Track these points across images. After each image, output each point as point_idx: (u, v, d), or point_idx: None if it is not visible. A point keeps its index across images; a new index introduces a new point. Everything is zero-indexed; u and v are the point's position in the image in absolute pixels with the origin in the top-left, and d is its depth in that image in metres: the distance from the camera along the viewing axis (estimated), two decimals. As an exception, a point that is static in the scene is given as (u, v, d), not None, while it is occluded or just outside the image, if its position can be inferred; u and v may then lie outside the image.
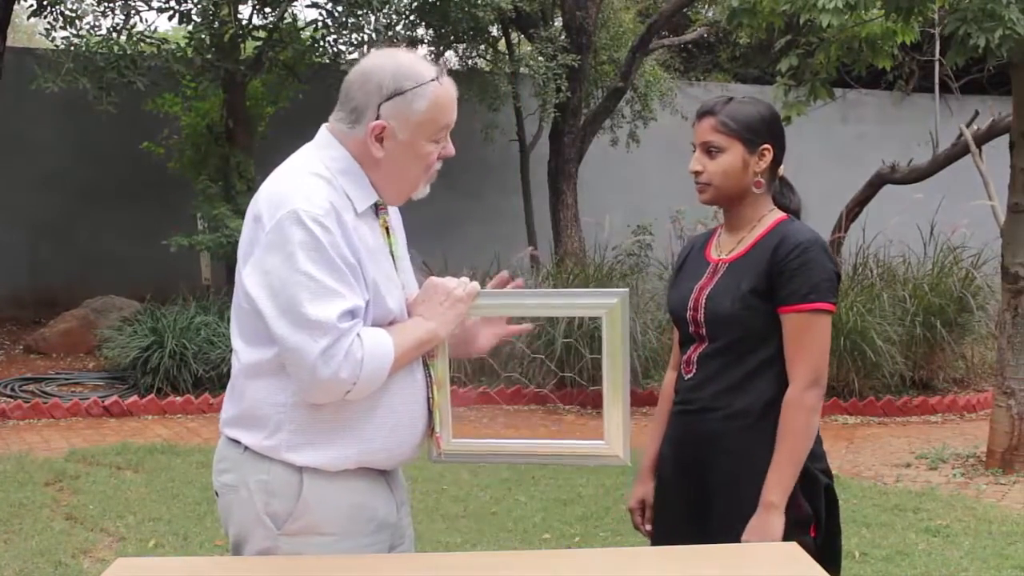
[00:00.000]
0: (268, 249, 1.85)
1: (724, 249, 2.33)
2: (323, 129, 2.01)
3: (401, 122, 1.93)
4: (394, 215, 2.10)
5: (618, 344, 2.05)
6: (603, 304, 2.07)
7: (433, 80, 1.93)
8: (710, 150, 2.26)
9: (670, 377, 2.47)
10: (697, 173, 2.29)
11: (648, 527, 2.45)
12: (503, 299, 2.17)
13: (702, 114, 2.29)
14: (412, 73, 1.93)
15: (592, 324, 7.06)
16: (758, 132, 2.26)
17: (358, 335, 1.86)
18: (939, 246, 8.43)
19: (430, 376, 2.04)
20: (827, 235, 9.30)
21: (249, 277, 1.89)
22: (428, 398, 2.04)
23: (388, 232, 2.03)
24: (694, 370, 2.30)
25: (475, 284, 2.06)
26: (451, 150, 2.02)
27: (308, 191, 1.87)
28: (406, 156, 1.96)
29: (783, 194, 2.37)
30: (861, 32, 6.14)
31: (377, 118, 1.92)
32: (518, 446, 2.25)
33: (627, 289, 2.15)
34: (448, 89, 1.97)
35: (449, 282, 2.04)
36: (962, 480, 5.55)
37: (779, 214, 2.32)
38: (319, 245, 1.83)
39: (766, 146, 2.27)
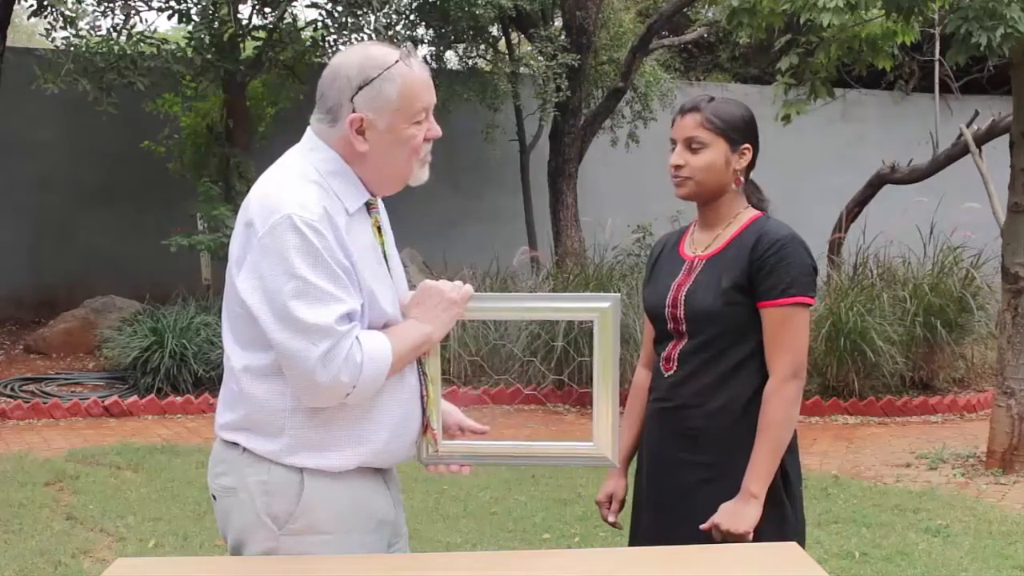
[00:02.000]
0: (263, 255, 1.85)
1: (699, 246, 2.35)
2: (308, 131, 2.01)
3: (377, 110, 1.92)
4: (381, 213, 2.10)
5: (609, 347, 2.07)
6: (595, 308, 2.09)
7: (397, 62, 1.92)
8: (693, 146, 2.28)
9: (642, 374, 2.49)
10: (678, 167, 2.30)
11: (612, 519, 2.48)
12: (496, 303, 2.18)
13: (686, 110, 2.32)
14: (376, 61, 1.92)
15: (591, 325, 7.05)
16: (740, 131, 2.30)
17: (356, 339, 1.86)
18: (939, 246, 8.43)
19: (424, 373, 2.05)
20: (827, 235, 9.31)
21: (244, 283, 1.88)
22: (422, 395, 2.05)
23: (379, 231, 2.03)
24: (674, 367, 2.31)
25: (469, 287, 2.07)
26: (437, 130, 2.00)
27: (301, 196, 1.87)
28: (391, 144, 1.95)
29: (753, 195, 2.40)
30: (861, 32, 6.15)
31: (353, 111, 1.92)
32: (507, 448, 2.25)
33: (619, 294, 2.16)
34: (417, 70, 1.95)
35: (444, 285, 2.04)
36: (962, 480, 5.55)
37: (754, 211, 2.35)
38: (314, 250, 1.83)
39: (746, 146, 2.31)
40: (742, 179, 2.33)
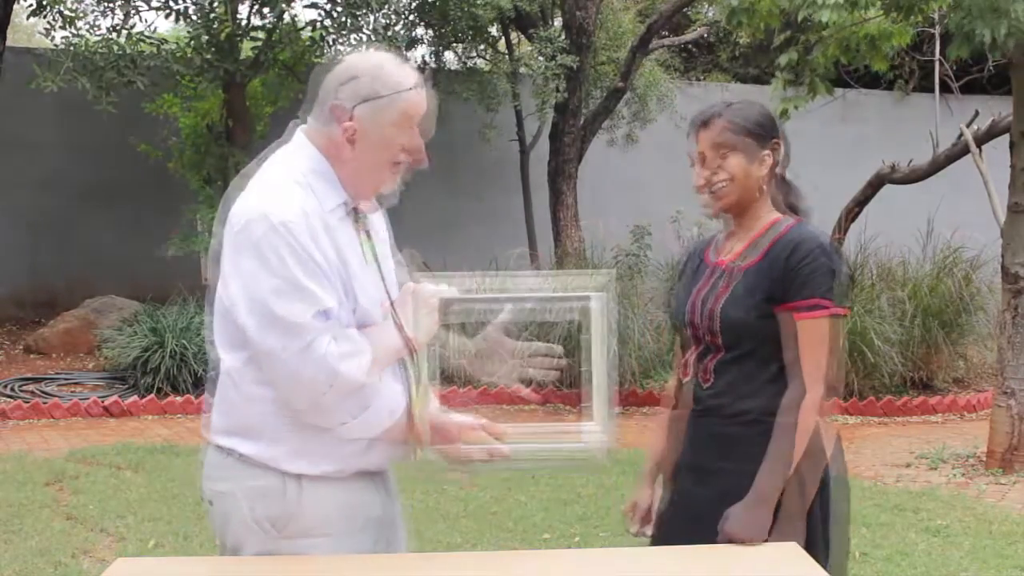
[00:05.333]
0: (240, 252, 1.86)
1: (732, 253, 2.31)
2: (297, 131, 2.02)
3: (374, 125, 1.93)
4: (377, 217, 2.10)
5: (600, 336, 2.01)
6: (585, 296, 2.02)
7: (410, 89, 1.93)
8: (722, 151, 2.23)
9: (673, 382, 2.46)
10: (711, 177, 2.24)
11: (634, 529, 2.43)
12: (480, 303, 2.14)
13: (706, 120, 2.26)
14: (390, 80, 1.93)
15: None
16: (767, 128, 2.27)
17: (334, 338, 1.85)
18: (938, 247, 8.42)
19: (409, 375, 2.03)
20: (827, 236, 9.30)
21: (223, 280, 1.89)
22: (410, 398, 2.03)
23: (368, 235, 2.03)
24: (712, 379, 2.27)
25: (447, 292, 2.06)
26: (424, 161, 2.00)
27: (279, 195, 1.88)
28: (375, 158, 1.96)
29: (791, 193, 2.36)
30: (860, 31, 6.14)
31: (351, 119, 1.92)
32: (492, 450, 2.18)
33: (613, 270, 2.12)
34: (427, 100, 1.97)
35: (425, 289, 2.04)
36: (962, 480, 5.55)
37: (777, 215, 2.30)
38: (290, 248, 1.83)
39: (775, 140, 2.28)
40: (776, 174, 2.29)
